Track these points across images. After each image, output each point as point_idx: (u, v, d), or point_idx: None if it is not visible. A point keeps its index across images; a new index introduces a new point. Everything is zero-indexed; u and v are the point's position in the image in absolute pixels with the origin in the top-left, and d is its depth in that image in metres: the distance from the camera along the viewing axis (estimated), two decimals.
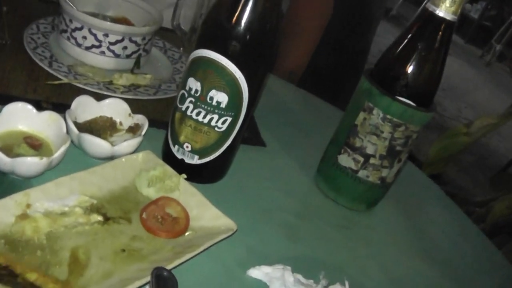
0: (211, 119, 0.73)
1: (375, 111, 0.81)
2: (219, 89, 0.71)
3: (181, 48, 1.15)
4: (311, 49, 1.49)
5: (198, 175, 0.78)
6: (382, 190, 0.89)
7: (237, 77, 0.70)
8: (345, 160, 0.86)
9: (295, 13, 1.44)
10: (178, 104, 0.75)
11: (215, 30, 0.71)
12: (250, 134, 0.96)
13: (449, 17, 0.78)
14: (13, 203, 0.61)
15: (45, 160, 0.66)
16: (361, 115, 0.83)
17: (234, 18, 0.69)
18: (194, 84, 0.72)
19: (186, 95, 0.73)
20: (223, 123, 0.73)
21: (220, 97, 0.71)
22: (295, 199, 0.88)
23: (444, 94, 5.38)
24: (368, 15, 2.79)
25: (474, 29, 7.78)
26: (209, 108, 0.72)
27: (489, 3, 7.83)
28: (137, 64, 0.99)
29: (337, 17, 1.57)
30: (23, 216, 0.60)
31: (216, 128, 0.74)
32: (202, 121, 0.73)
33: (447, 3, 0.77)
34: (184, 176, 0.74)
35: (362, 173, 0.85)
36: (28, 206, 0.62)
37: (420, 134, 0.84)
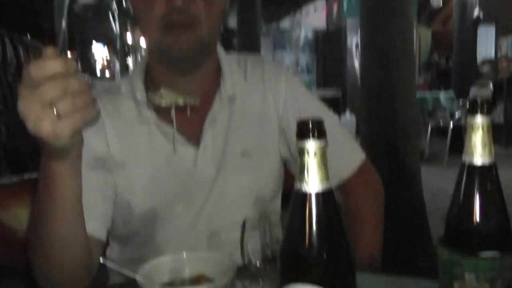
0: None
1: (466, 276, 0.81)
2: None
3: (260, 281, 1.17)
4: (381, 231, 1.48)
5: None
6: None
7: None
8: None
9: (352, 206, 1.46)
10: None
11: (292, 263, 0.75)
12: None
13: (487, 161, 0.80)
14: None
15: None
16: (456, 284, 0.82)
17: (306, 244, 0.73)
18: None
19: None
20: None
21: None
22: None
23: None
24: (408, 168, 2.84)
25: None
26: None
27: None
28: None
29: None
30: None
31: None
32: None
33: (480, 150, 0.80)
34: None
35: None
36: None
37: None
